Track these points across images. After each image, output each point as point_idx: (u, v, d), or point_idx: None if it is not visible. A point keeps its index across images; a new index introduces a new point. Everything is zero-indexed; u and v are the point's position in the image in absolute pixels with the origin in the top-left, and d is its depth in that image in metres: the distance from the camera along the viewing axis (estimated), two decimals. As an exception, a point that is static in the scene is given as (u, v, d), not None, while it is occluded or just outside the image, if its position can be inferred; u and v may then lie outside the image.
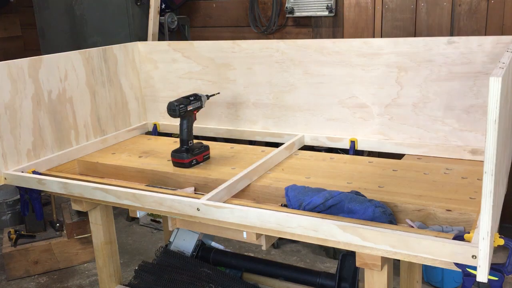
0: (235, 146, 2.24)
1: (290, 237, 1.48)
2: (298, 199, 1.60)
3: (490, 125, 1.07)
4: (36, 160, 2.05)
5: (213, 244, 2.49)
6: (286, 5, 3.64)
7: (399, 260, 1.62)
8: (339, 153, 2.23)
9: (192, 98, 2.08)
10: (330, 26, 3.63)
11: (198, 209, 1.57)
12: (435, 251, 1.24)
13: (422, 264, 1.55)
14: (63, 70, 2.15)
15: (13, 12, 4.81)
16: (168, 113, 2.01)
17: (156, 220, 3.83)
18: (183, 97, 2.07)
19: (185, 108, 2.03)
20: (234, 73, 2.35)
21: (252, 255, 3.30)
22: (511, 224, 3.24)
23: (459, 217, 1.47)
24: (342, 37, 3.56)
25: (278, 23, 3.78)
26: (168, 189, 1.88)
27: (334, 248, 3.16)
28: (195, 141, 2.07)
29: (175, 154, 2.02)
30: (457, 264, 1.24)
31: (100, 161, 2.14)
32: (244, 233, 1.56)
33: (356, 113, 2.12)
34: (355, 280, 2.08)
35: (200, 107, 2.11)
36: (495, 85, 1.05)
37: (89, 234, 3.30)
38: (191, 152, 2.02)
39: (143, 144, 2.35)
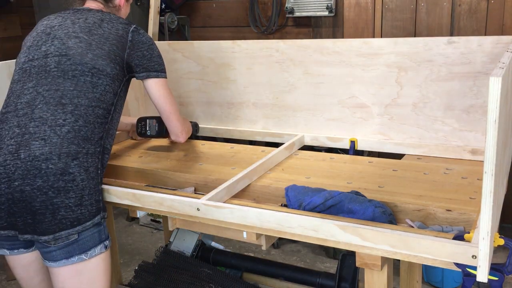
0: (235, 146, 2.24)
1: (290, 237, 1.48)
2: (298, 199, 1.60)
3: (490, 125, 1.07)
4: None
5: (213, 244, 2.49)
6: (286, 5, 3.63)
7: (399, 260, 1.62)
8: (339, 153, 2.23)
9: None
10: (330, 26, 3.63)
11: (198, 209, 1.57)
12: (435, 251, 1.24)
13: (422, 264, 1.55)
14: (63, 70, 2.15)
15: (13, 12, 4.81)
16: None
17: (156, 220, 3.83)
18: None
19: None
20: (234, 73, 2.35)
21: (252, 255, 3.30)
22: (511, 224, 3.24)
23: (459, 217, 1.47)
24: (342, 37, 3.56)
25: (278, 23, 3.78)
26: (168, 189, 1.89)
27: (334, 248, 3.16)
28: None
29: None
30: (457, 264, 1.24)
31: (100, 161, 2.13)
32: (244, 233, 1.56)
33: (356, 113, 2.12)
34: (355, 280, 2.08)
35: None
36: (495, 85, 1.05)
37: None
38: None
39: (143, 144, 2.35)
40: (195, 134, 2.38)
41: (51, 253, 1.59)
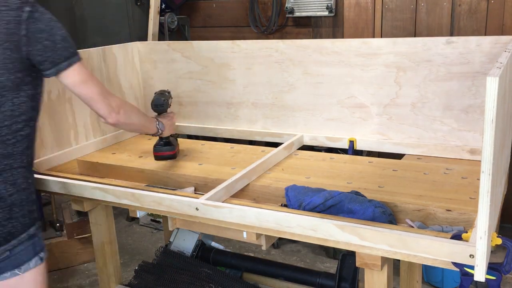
0: (235, 146, 2.24)
1: (290, 237, 1.48)
2: (298, 199, 1.61)
3: (488, 124, 1.07)
4: (35, 160, 2.05)
5: (213, 244, 2.50)
6: (286, 5, 3.64)
7: (399, 260, 1.62)
8: (339, 153, 2.23)
9: (168, 93, 2.14)
10: (330, 26, 3.63)
11: (197, 209, 1.57)
12: (433, 250, 1.25)
13: (422, 264, 1.55)
14: (63, 71, 2.15)
15: (14, 12, 4.81)
16: (156, 108, 2.06)
17: (156, 220, 3.83)
18: (160, 93, 2.11)
19: (168, 102, 2.09)
20: (234, 73, 2.35)
21: (252, 255, 3.30)
22: (511, 224, 3.24)
23: (459, 217, 1.48)
24: (342, 37, 3.56)
25: (278, 23, 3.78)
26: (168, 189, 1.89)
27: (334, 248, 3.16)
28: None
29: (161, 148, 2.08)
30: (455, 264, 1.24)
31: (100, 161, 2.14)
32: (244, 233, 1.57)
33: (355, 113, 2.12)
34: (355, 280, 2.08)
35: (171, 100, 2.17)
36: (492, 85, 1.06)
37: (89, 234, 3.29)
38: (174, 143, 2.11)
39: (143, 144, 2.35)
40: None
41: None
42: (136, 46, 2.56)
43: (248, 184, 1.80)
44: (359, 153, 2.20)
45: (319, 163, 1.98)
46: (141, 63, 2.58)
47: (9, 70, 1.42)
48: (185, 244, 2.39)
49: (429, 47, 1.92)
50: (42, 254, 1.57)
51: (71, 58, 1.53)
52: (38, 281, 1.57)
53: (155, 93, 2.13)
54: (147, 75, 2.58)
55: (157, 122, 1.95)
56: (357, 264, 1.42)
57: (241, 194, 1.79)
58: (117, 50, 2.44)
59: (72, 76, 1.54)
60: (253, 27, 3.87)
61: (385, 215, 1.48)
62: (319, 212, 1.54)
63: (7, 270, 1.49)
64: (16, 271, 1.50)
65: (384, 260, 1.40)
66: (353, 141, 2.12)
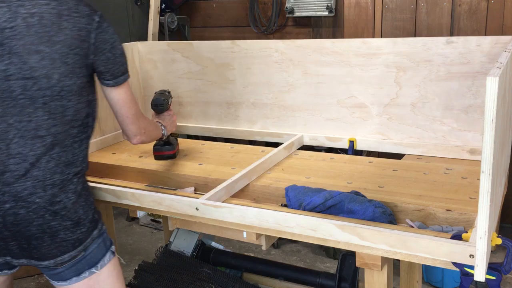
0: (235, 146, 2.24)
1: (290, 237, 1.48)
2: (298, 199, 1.61)
3: (487, 125, 1.07)
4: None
5: (213, 244, 2.49)
6: (286, 5, 3.64)
7: (399, 260, 1.63)
8: (339, 153, 2.23)
9: (168, 93, 2.12)
10: (330, 26, 3.63)
11: (197, 209, 1.57)
12: (433, 250, 1.25)
13: (422, 264, 1.55)
14: (63, 71, 2.15)
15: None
16: (156, 108, 2.04)
17: (156, 220, 3.83)
18: (160, 92, 2.11)
19: (168, 102, 2.08)
20: (234, 73, 2.35)
21: (252, 255, 3.30)
22: (511, 224, 3.25)
23: (459, 217, 1.48)
24: (342, 37, 3.56)
25: (278, 23, 3.78)
26: (168, 189, 1.89)
27: (334, 248, 3.17)
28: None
29: (161, 147, 2.07)
30: (455, 264, 1.24)
31: (100, 161, 2.14)
32: (244, 233, 1.57)
33: (355, 113, 2.12)
34: (355, 280, 2.08)
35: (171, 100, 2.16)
36: (492, 85, 1.06)
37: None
38: (173, 143, 2.10)
39: (143, 144, 2.35)
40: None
41: (60, 274, 1.52)
42: (136, 46, 2.56)
43: (248, 184, 1.80)
44: (359, 153, 2.20)
45: (319, 163, 1.98)
46: (141, 63, 2.58)
47: (76, 75, 1.48)
48: (185, 244, 2.39)
49: (429, 47, 1.92)
50: (113, 248, 1.62)
51: (125, 74, 1.60)
52: (114, 276, 1.62)
53: (155, 93, 2.13)
54: (147, 75, 2.58)
55: (162, 128, 1.96)
56: (357, 264, 1.42)
57: (241, 194, 1.79)
58: (117, 50, 2.43)
59: (122, 92, 1.61)
60: (253, 27, 3.87)
61: (385, 215, 1.48)
62: (319, 212, 1.54)
63: (85, 269, 1.54)
64: (93, 269, 1.55)
65: (384, 260, 1.40)
66: (353, 141, 2.12)
